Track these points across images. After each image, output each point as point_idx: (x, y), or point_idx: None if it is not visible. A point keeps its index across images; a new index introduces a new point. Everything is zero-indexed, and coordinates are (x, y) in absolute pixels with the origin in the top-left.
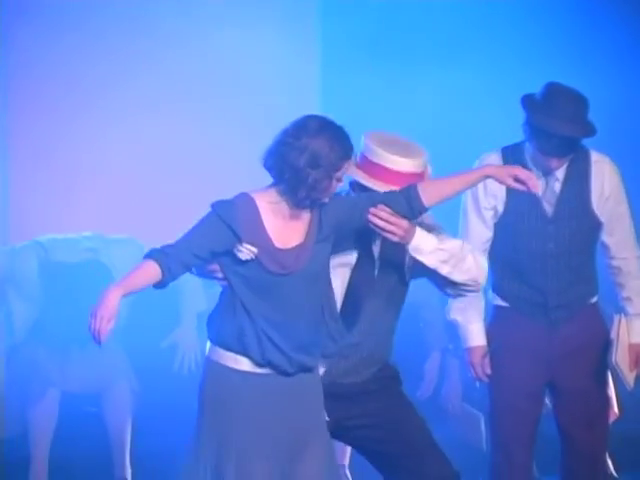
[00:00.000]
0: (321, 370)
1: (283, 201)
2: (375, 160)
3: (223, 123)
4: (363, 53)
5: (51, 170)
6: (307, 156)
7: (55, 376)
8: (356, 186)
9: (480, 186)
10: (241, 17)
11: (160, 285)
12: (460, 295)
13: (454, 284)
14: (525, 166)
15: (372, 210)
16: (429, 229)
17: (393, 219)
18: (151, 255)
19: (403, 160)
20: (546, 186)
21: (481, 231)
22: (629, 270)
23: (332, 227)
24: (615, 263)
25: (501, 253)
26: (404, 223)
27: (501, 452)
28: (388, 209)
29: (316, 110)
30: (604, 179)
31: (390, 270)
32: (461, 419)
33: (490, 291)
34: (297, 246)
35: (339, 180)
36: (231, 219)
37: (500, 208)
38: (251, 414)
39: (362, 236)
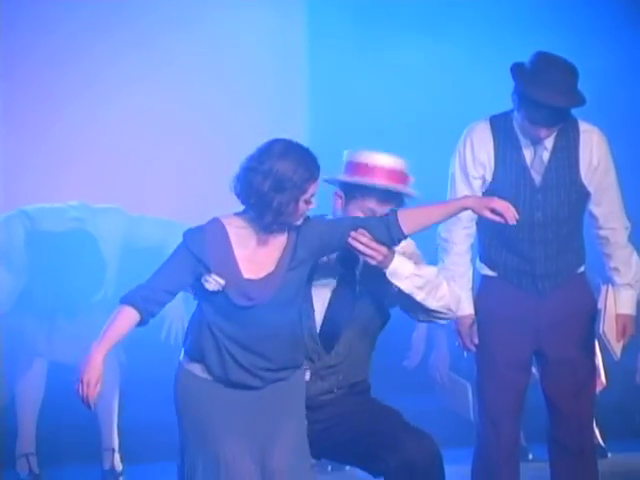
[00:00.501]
0: (307, 375)
1: (253, 226)
2: (356, 160)
3: (211, 97)
4: (350, 22)
5: (38, 142)
6: (271, 180)
7: (42, 346)
8: (341, 191)
9: (469, 155)
10: None
11: (140, 325)
12: (431, 322)
13: (427, 311)
14: (514, 134)
15: (353, 234)
16: (408, 256)
17: (373, 244)
18: (127, 300)
19: (384, 156)
20: (534, 155)
21: None
22: (616, 240)
23: (310, 250)
24: (603, 233)
25: (489, 222)
26: (383, 249)
27: (488, 421)
28: (368, 234)
29: (304, 83)
30: (592, 149)
31: (370, 295)
32: (449, 388)
33: (478, 260)
34: (267, 275)
35: (308, 203)
36: (200, 250)
37: (488, 177)
38: (222, 415)
39: (344, 259)
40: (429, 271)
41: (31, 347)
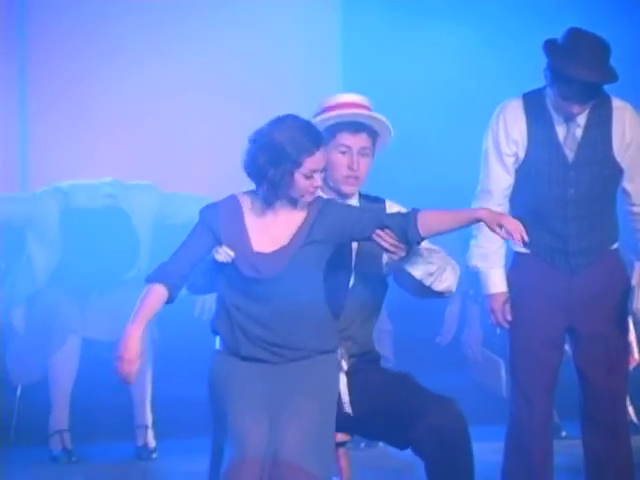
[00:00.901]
0: (344, 364)
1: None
2: (322, 106)
3: (244, 74)
4: (383, 6)
5: (70, 118)
6: (267, 152)
7: (75, 322)
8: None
9: (501, 132)
10: None
11: (169, 302)
12: (428, 298)
13: (427, 291)
14: (546, 111)
15: (379, 233)
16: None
17: (397, 243)
18: (153, 278)
19: (346, 94)
20: (567, 132)
21: (502, 177)
22: None
23: (327, 231)
24: (636, 210)
25: (522, 199)
26: (404, 247)
27: (521, 398)
28: (393, 235)
29: (336, 64)
30: (625, 126)
31: (365, 281)
32: (481, 365)
33: None
34: (279, 249)
35: (308, 178)
36: (212, 221)
37: (521, 154)
38: (237, 387)
39: (340, 247)
40: (439, 256)
41: (65, 323)
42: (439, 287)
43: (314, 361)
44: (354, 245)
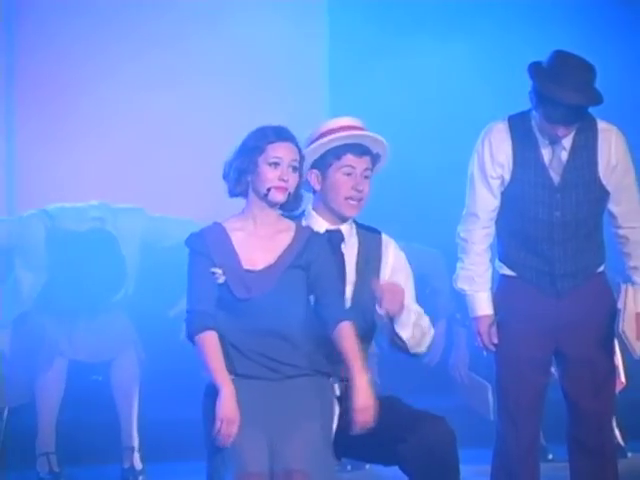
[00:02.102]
0: (336, 389)
1: (253, 223)
2: (317, 132)
3: (231, 97)
4: (369, 25)
5: (58, 140)
6: (238, 149)
7: (63, 345)
8: (314, 170)
9: (487, 155)
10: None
11: None
12: (397, 350)
13: (402, 348)
14: (532, 134)
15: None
16: (398, 270)
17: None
18: (199, 329)
19: (341, 118)
20: (553, 155)
21: (488, 200)
22: (636, 239)
23: (307, 263)
24: (622, 232)
25: (508, 222)
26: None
27: (508, 420)
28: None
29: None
30: (611, 148)
31: (361, 310)
32: (469, 388)
33: (497, 260)
34: (267, 267)
35: (272, 166)
36: (202, 247)
37: (507, 177)
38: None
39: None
40: (426, 321)
41: (51, 346)
42: (414, 350)
43: (310, 380)
44: (351, 276)
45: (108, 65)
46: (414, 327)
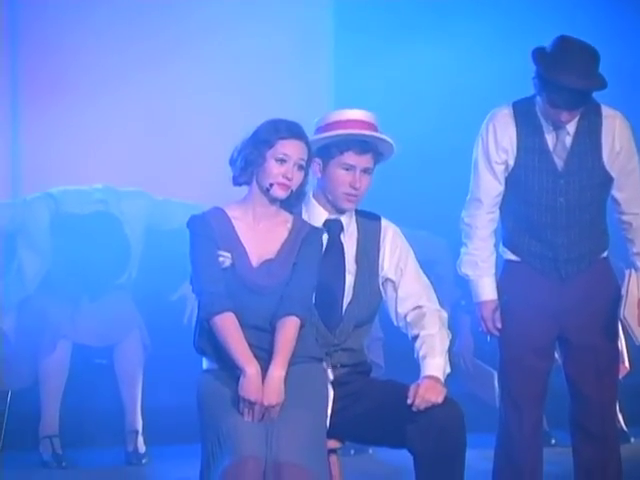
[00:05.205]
0: (330, 374)
1: (250, 209)
2: (327, 121)
3: (237, 80)
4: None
5: (62, 124)
6: (249, 138)
7: (66, 328)
8: (317, 158)
9: (491, 140)
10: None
11: None
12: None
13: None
14: (536, 119)
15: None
16: (399, 249)
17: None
18: (217, 310)
19: (354, 110)
20: (557, 140)
21: (492, 185)
22: (639, 225)
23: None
24: (625, 218)
25: (512, 207)
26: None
27: (511, 406)
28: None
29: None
30: (615, 134)
31: (362, 297)
32: (473, 375)
33: (501, 245)
34: (269, 259)
35: (279, 162)
36: (207, 229)
37: (511, 162)
38: (231, 399)
39: (338, 266)
40: (444, 335)
41: (55, 329)
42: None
43: (303, 368)
44: (351, 266)
45: (114, 50)
46: (445, 361)
